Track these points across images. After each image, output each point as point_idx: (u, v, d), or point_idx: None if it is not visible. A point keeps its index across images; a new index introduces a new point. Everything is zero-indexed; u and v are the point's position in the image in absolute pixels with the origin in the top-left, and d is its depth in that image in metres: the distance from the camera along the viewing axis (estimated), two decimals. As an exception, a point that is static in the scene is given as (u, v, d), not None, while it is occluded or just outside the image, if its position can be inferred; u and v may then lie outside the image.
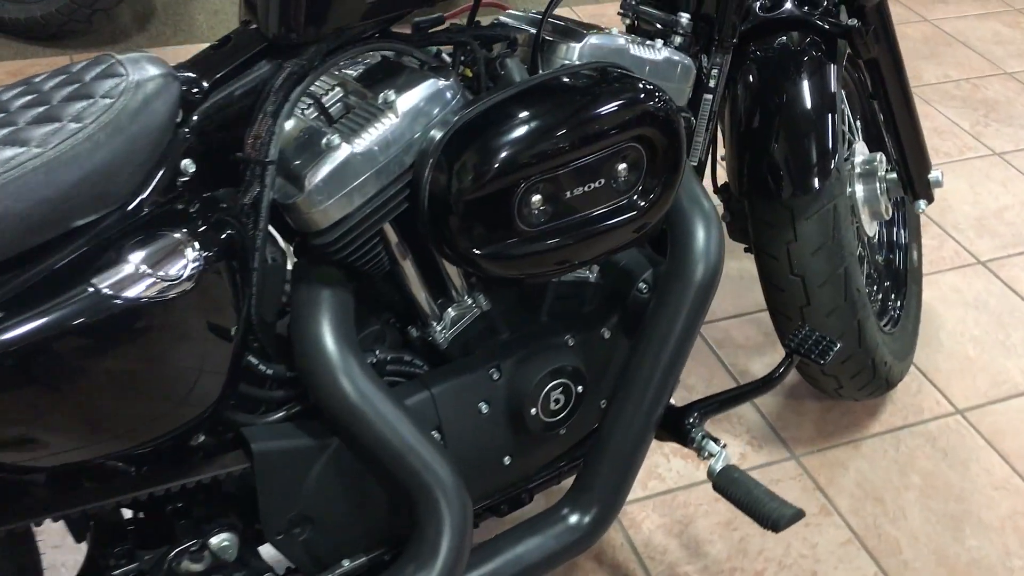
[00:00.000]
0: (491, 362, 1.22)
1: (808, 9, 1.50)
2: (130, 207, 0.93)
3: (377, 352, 1.18)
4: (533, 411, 1.24)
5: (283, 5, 0.98)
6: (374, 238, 1.07)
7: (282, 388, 1.11)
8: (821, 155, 1.45)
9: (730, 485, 1.28)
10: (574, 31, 1.18)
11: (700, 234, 1.26)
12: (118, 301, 0.88)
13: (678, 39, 1.32)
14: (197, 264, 0.93)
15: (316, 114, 1.09)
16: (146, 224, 0.93)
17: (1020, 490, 1.73)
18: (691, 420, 1.33)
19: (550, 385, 1.24)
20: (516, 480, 1.32)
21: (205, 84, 1.01)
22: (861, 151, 1.72)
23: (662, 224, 1.22)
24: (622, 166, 1.12)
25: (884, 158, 1.72)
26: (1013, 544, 1.63)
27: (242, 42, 1.04)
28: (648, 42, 1.23)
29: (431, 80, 1.06)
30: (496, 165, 1.03)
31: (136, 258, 0.90)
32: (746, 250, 1.60)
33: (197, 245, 0.93)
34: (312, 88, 1.12)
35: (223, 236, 0.97)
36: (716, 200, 1.37)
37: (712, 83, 1.35)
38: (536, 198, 1.07)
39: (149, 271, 0.90)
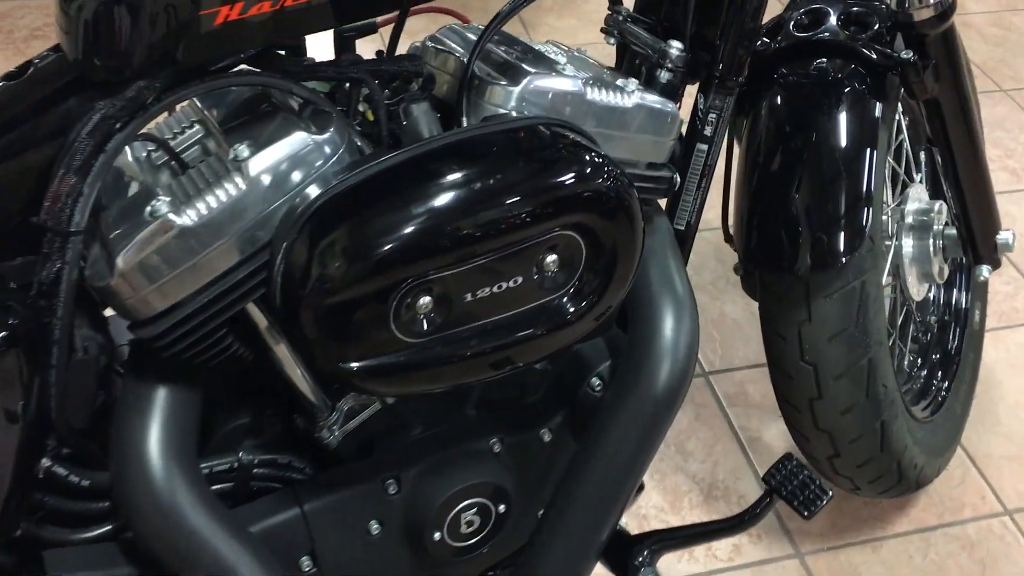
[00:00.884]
0: (389, 471, 0.98)
1: (854, 31, 1.20)
2: None
3: (241, 454, 0.95)
4: (437, 536, 0.99)
5: (93, 23, 0.73)
6: (219, 330, 0.83)
7: (104, 500, 0.89)
8: (852, 219, 1.16)
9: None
10: (515, 67, 0.90)
11: (668, 325, 0.99)
12: None
13: (665, 75, 1.03)
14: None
15: (161, 160, 0.85)
16: None
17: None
18: (641, 558, 1.07)
19: (461, 506, 0.99)
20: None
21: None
22: (918, 197, 1.41)
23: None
24: (550, 258, 0.85)
25: (945, 209, 1.41)
26: None
27: (45, 72, 0.79)
28: (619, 82, 0.95)
29: (299, 134, 0.80)
30: (366, 258, 0.77)
31: None
32: None
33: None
34: (165, 121, 0.89)
35: (-4, 326, 0.75)
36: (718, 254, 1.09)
37: (708, 131, 1.06)
38: (423, 301, 0.80)
39: None
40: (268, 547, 0.92)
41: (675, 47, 1.02)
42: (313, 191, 0.80)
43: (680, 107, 1.06)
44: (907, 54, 1.16)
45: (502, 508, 1.02)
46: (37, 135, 0.78)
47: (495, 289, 0.83)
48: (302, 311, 0.77)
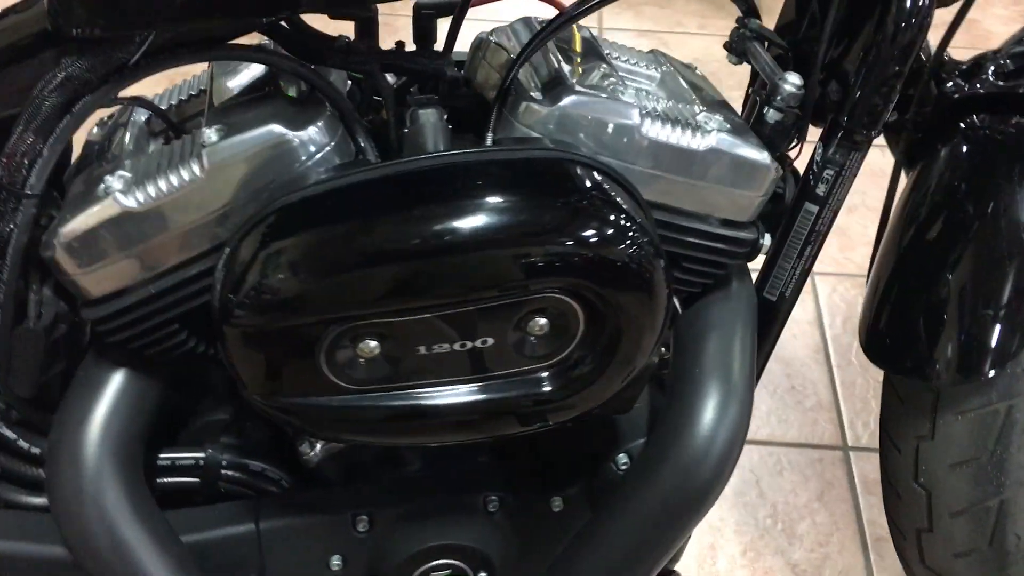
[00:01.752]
0: (364, 506, 0.87)
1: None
2: None
3: (210, 451, 0.88)
4: (405, 589, 0.89)
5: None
6: (169, 325, 0.75)
7: (55, 470, 0.85)
8: (1011, 323, 0.91)
9: None
10: (563, 81, 0.74)
11: (709, 411, 0.81)
12: None
13: (773, 113, 0.83)
14: None
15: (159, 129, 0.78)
16: None
17: None
18: None
19: (431, 564, 0.87)
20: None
21: None
22: None
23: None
24: (538, 322, 0.70)
25: None
26: None
27: (18, 22, 0.73)
28: (700, 117, 0.77)
29: (273, 127, 0.69)
30: (302, 285, 0.65)
31: None
32: None
33: None
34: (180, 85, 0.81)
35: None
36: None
37: (821, 190, 0.85)
38: (368, 344, 0.68)
39: None
40: (216, 557, 0.86)
41: (790, 82, 0.81)
42: (281, 192, 0.69)
43: (799, 154, 0.87)
44: None
45: (483, 574, 0.89)
46: (4, 87, 0.72)
47: (456, 347, 0.69)
48: (227, 327, 0.67)
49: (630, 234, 0.68)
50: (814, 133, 0.87)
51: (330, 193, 0.67)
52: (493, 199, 0.67)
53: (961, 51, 0.98)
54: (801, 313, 1.74)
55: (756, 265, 0.89)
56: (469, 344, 0.69)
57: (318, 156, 0.70)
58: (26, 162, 0.70)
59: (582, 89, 0.73)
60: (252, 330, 0.67)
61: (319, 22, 0.74)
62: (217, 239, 0.71)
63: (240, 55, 0.72)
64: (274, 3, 0.68)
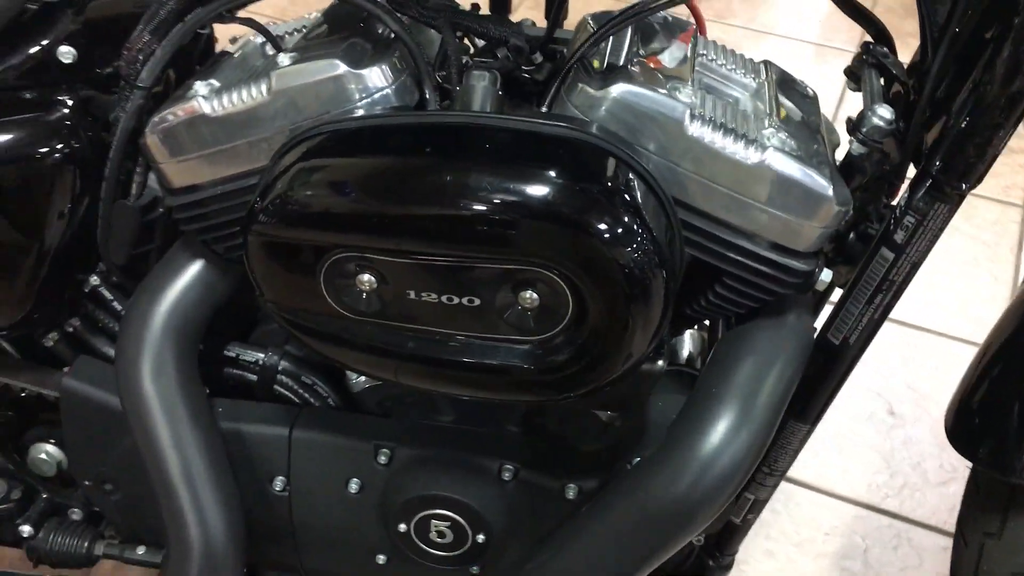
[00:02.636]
0: (388, 440, 0.92)
1: None
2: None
3: (270, 354, 0.95)
4: (403, 527, 0.92)
5: None
6: (235, 225, 0.82)
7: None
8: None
9: None
10: (617, 68, 0.74)
11: (720, 430, 0.78)
12: None
13: (857, 146, 0.77)
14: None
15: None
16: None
17: None
18: None
19: (429, 512, 0.90)
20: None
21: None
22: None
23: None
24: (528, 295, 0.70)
25: None
26: None
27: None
28: (767, 131, 0.73)
29: (334, 62, 0.74)
30: (309, 205, 0.70)
31: None
32: None
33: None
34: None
35: (32, 140, 0.82)
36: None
37: (900, 237, 0.78)
38: (365, 277, 0.72)
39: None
40: (246, 451, 0.93)
41: (879, 114, 0.76)
42: (327, 120, 0.74)
43: (896, 197, 0.81)
44: None
45: (480, 537, 0.91)
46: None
47: (444, 299, 0.71)
48: (251, 231, 0.73)
49: (634, 238, 0.67)
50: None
51: (362, 129, 0.71)
52: (506, 164, 0.68)
53: None
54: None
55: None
56: (456, 300, 0.71)
57: (376, 96, 0.74)
58: (141, 58, 0.79)
59: (634, 79, 0.73)
60: (270, 237, 0.72)
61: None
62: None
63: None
64: None
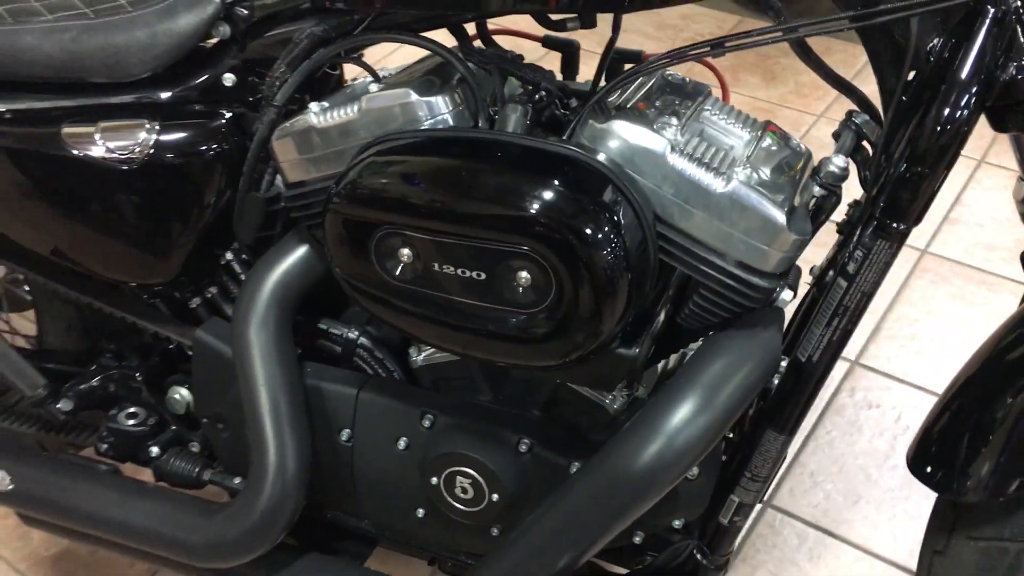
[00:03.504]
0: (433, 408, 1.12)
1: None
2: (148, 84, 1.10)
3: (354, 331, 1.18)
4: (434, 480, 1.11)
5: None
6: None
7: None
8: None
9: None
10: (621, 109, 0.93)
11: (683, 411, 0.93)
12: (69, 151, 1.09)
13: (816, 188, 0.92)
14: (141, 152, 1.08)
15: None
16: (138, 106, 1.10)
17: None
18: None
19: (455, 469, 1.09)
20: (438, 543, 1.20)
21: (258, 8, 1.09)
22: None
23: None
24: (523, 275, 0.89)
25: None
26: None
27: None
28: (738, 169, 0.90)
29: (406, 91, 0.97)
30: (362, 191, 0.93)
31: (100, 124, 1.09)
32: None
33: (154, 137, 1.08)
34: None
35: (198, 143, 1.10)
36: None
37: (851, 268, 0.92)
38: (403, 251, 0.93)
39: (96, 136, 1.08)
40: (321, 405, 1.15)
41: (835, 163, 0.92)
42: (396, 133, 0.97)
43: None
44: None
45: (495, 497, 1.08)
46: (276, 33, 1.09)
47: (460, 272, 0.91)
48: (327, 209, 0.97)
49: (608, 243, 0.86)
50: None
51: (416, 140, 0.94)
52: (516, 172, 0.89)
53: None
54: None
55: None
56: (468, 273, 0.91)
57: (438, 118, 0.97)
58: (277, 83, 1.06)
59: (629, 117, 0.92)
60: (340, 215, 0.95)
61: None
62: (361, 162, 1.01)
63: (419, 42, 1.01)
64: (462, 4, 0.97)
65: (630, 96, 0.98)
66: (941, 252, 2.13)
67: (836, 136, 1.01)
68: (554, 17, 1.03)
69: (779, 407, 1.02)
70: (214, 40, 1.11)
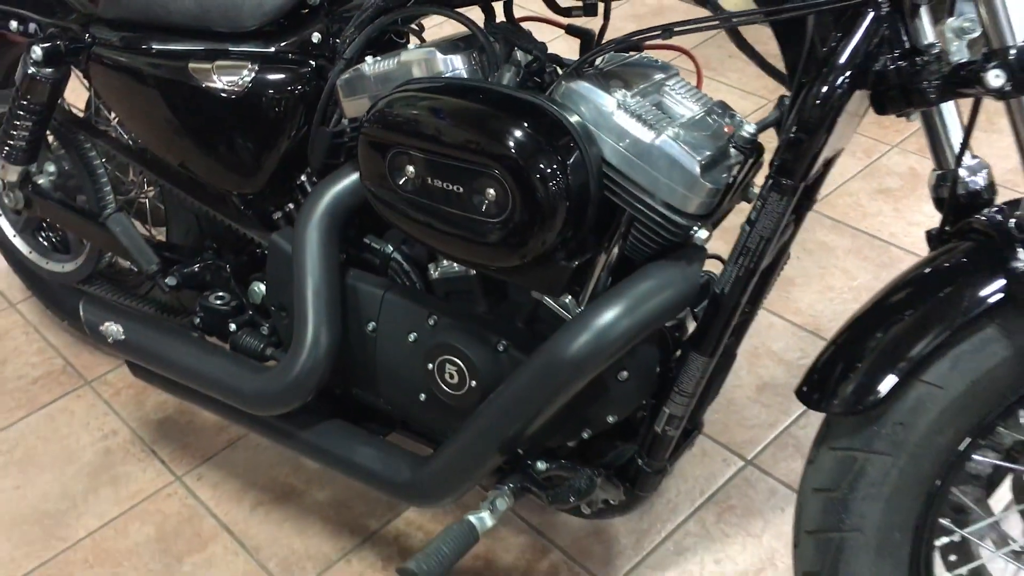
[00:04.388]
0: (437, 312, 1.39)
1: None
2: (255, 37, 1.44)
3: (388, 247, 1.47)
4: (430, 367, 1.38)
5: None
6: None
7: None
8: (882, 366, 1.08)
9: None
10: (593, 76, 1.18)
11: (612, 313, 1.17)
12: (193, 82, 1.44)
13: (733, 152, 1.14)
14: (242, 87, 1.41)
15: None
16: (246, 53, 1.43)
17: None
18: (503, 484, 1.29)
19: (445, 358, 1.35)
20: (435, 424, 1.47)
21: None
22: None
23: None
24: (489, 192, 1.16)
25: None
26: None
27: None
28: (670, 128, 1.13)
29: (430, 49, 1.26)
30: (381, 121, 1.23)
31: (216, 62, 1.43)
32: None
33: (253, 75, 1.41)
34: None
35: (286, 84, 1.42)
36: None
37: (753, 215, 1.13)
38: (409, 168, 1.22)
39: (212, 72, 1.42)
40: (355, 301, 1.45)
41: (745, 128, 1.14)
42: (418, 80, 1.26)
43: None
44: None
45: (474, 383, 1.34)
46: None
47: (447, 185, 1.19)
48: (360, 133, 1.26)
49: (553, 176, 1.11)
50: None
51: (427, 86, 1.22)
52: (493, 112, 1.16)
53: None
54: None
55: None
56: (451, 187, 1.19)
57: (454, 71, 1.25)
58: (348, 42, 1.37)
59: (590, 79, 1.17)
60: (367, 137, 1.25)
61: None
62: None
63: (452, 14, 1.29)
64: None
65: (605, 68, 1.23)
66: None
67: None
68: (561, 4, 1.31)
69: (701, 334, 1.24)
70: (307, 6, 1.44)
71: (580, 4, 1.28)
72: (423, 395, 1.44)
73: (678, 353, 1.29)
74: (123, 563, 1.67)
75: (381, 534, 1.69)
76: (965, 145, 1.12)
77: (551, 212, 1.13)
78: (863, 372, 1.10)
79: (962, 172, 1.16)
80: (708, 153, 1.15)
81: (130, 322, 1.59)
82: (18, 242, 1.94)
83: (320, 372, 1.42)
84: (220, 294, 1.61)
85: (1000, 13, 0.95)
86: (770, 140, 1.14)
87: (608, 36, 1.28)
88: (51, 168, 1.80)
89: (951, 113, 1.16)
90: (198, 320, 1.61)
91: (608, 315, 1.18)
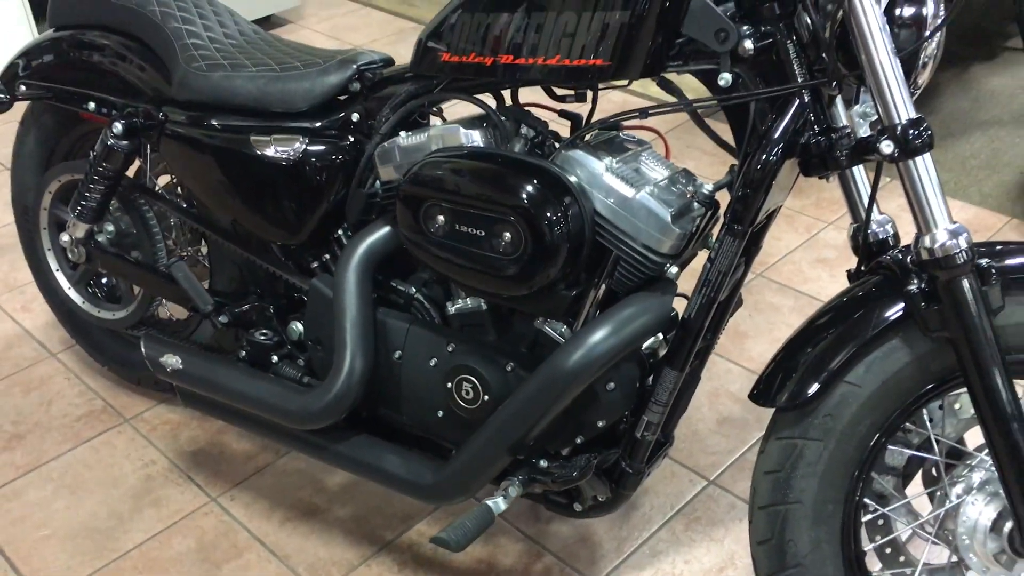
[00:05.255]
0: (455, 340, 1.69)
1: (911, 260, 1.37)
2: (306, 116, 1.75)
3: (411, 288, 1.76)
4: (449, 385, 1.66)
5: (414, 55, 1.64)
6: None
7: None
8: (808, 377, 1.39)
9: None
10: (589, 147, 1.51)
11: (598, 335, 1.47)
12: (253, 152, 1.75)
13: (695, 205, 1.47)
14: (295, 156, 1.72)
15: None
16: (298, 129, 1.75)
17: None
18: (514, 476, 1.58)
19: (462, 377, 1.64)
20: (452, 435, 1.74)
21: (380, 75, 1.74)
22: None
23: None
24: (506, 235, 1.47)
25: None
26: None
27: (406, 69, 1.72)
28: (648, 186, 1.46)
29: (455, 124, 1.59)
30: (416, 181, 1.55)
31: (273, 136, 1.74)
32: None
33: (304, 147, 1.72)
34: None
35: (330, 154, 1.73)
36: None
37: (712, 254, 1.45)
38: (440, 217, 1.53)
39: (270, 144, 1.73)
40: (387, 333, 1.73)
41: (703, 188, 1.47)
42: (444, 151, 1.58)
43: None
44: (914, 285, 1.32)
45: (487, 398, 1.63)
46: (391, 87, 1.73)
47: (471, 230, 1.50)
48: (398, 195, 1.57)
49: (557, 224, 1.43)
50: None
51: (454, 154, 1.54)
52: (510, 174, 1.48)
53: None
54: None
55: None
56: (474, 231, 1.49)
57: (473, 144, 1.57)
58: (383, 120, 1.69)
59: (582, 148, 1.50)
60: (405, 193, 1.56)
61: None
62: (428, 171, 1.63)
63: (471, 99, 1.62)
64: (506, 78, 1.57)
65: (596, 141, 1.56)
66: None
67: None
68: (558, 92, 1.64)
69: (673, 352, 1.54)
70: (349, 92, 1.76)
71: (572, 92, 1.62)
72: (441, 411, 1.72)
73: (652, 375, 1.60)
74: (169, 570, 1.90)
75: (396, 543, 1.94)
76: (871, 203, 1.45)
77: (555, 251, 1.44)
78: (799, 376, 1.41)
79: (873, 225, 1.50)
80: (677, 206, 1.48)
81: (187, 355, 1.86)
82: (72, 294, 2.21)
83: (355, 393, 1.70)
84: (264, 331, 1.89)
85: (888, 101, 1.29)
86: (723, 198, 1.47)
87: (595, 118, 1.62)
88: (109, 227, 2.08)
89: (862, 178, 1.51)
90: (244, 353, 1.88)
91: (599, 334, 1.49)
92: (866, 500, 1.48)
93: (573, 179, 1.48)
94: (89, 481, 2.11)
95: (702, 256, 1.54)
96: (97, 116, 1.95)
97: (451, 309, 1.73)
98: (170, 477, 2.11)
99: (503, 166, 1.50)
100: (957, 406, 1.51)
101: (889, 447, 1.49)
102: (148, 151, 2.00)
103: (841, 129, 1.39)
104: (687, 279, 1.54)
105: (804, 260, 2.76)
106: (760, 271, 2.73)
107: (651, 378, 1.58)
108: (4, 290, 2.77)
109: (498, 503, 1.57)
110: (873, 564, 1.53)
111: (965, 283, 1.30)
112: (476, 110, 1.65)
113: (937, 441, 1.48)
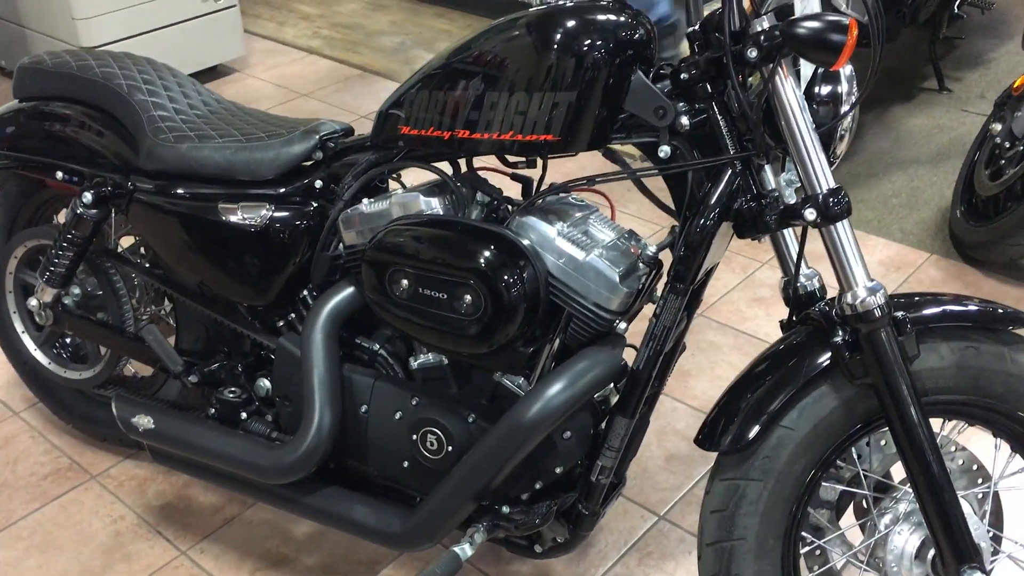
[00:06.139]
0: (418, 394, 1.78)
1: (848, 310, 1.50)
2: (271, 183, 1.85)
3: (376, 345, 1.86)
4: (414, 437, 1.76)
5: (375, 126, 1.75)
6: None
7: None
8: (747, 421, 1.51)
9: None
10: (539, 212, 1.63)
11: (555, 388, 1.58)
12: (221, 218, 1.84)
13: (640, 265, 1.59)
14: (262, 222, 1.82)
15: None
16: (264, 196, 1.84)
17: None
18: (479, 523, 1.68)
19: (427, 429, 1.74)
20: (416, 484, 1.83)
21: (341, 144, 1.85)
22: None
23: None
24: (467, 297, 1.57)
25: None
26: None
27: (366, 138, 1.82)
28: (597, 249, 1.58)
29: (413, 195, 1.70)
30: (379, 248, 1.65)
31: (240, 203, 1.83)
32: None
33: (270, 213, 1.82)
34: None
35: (296, 220, 1.83)
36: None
37: (657, 310, 1.57)
38: (403, 281, 1.63)
39: (238, 210, 1.82)
40: (353, 389, 1.83)
41: (648, 250, 1.59)
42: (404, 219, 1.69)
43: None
44: (839, 336, 1.46)
45: (450, 448, 1.73)
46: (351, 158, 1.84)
47: (433, 293, 1.61)
48: (363, 260, 1.68)
49: (514, 286, 1.54)
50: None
51: (414, 221, 1.65)
52: (467, 239, 1.59)
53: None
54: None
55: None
56: (436, 294, 1.60)
57: (432, 210, 1.68)
58: (346, 187, 1.80)
59: (535, 214, 1.62)
60: (370, 258, 1.66)
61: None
62: (390, 236, 1.73)
63: (429, 168, 1.74)
64: (460, 149, 1.69)
65: (547, 206, 1.68)
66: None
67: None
68: (510, 159, 1.76)
69: (624, 401, 1.66)
70: (312, 160, 1.86)
71: (523, 160, 1.74)
72: (407, 462, 1.81)
73: (605, 422, 1.71)
74: (143, 623, 1.96)
75: (363, 589, 2.03)
76: (799, 259, 1.59)
77: (513, 312, 1.56)
78: (739, 421, 1.54)
79: (801, 278, 1.64)
80: (623, 266, 1.60)
81: (158, 414, 1.93)
82: (39, 355, 2.26)
83: (325, 447, 1.78)
84: (233, 389, 1.97)
85: (810, 172, 1.43)
86: (666, 257, 1.60)
87: (545, 182, 1.74)
88: (76, 290, 2.15)
89: (791, 235, 1.65)
90: (213, 411, 1.96)
91: (555, 387, 1.60)
92: (804, 533, 1.61)
93: (527, 243, 1.60)
94: (59, 539, 2.16)
95: (649, 308, 1.66)
96: (65, 185, 2.02)
97: (414, 364, 1.82)
98: (139, 532, 2.17)
99: (462, 233, 1.62)
100: (883, 443, 1.65)
101: (823, 483, 1.62)
102: (114, 215, 2.07)
103: (770, 194, 1.53)
104: (635, 328, 1.66)
105: (742, 299, 2.91)
106: (701, 311, 2.87)
107: (604, 425, 1.71)
108: (-39, 349, 2.79)
109: (464, 549, 1.67)
110: (813, 592, 1.66)
111: (883, 334, 1.44)
112: (434, 176, 1.76)
113: (865, 476, 1.62)
